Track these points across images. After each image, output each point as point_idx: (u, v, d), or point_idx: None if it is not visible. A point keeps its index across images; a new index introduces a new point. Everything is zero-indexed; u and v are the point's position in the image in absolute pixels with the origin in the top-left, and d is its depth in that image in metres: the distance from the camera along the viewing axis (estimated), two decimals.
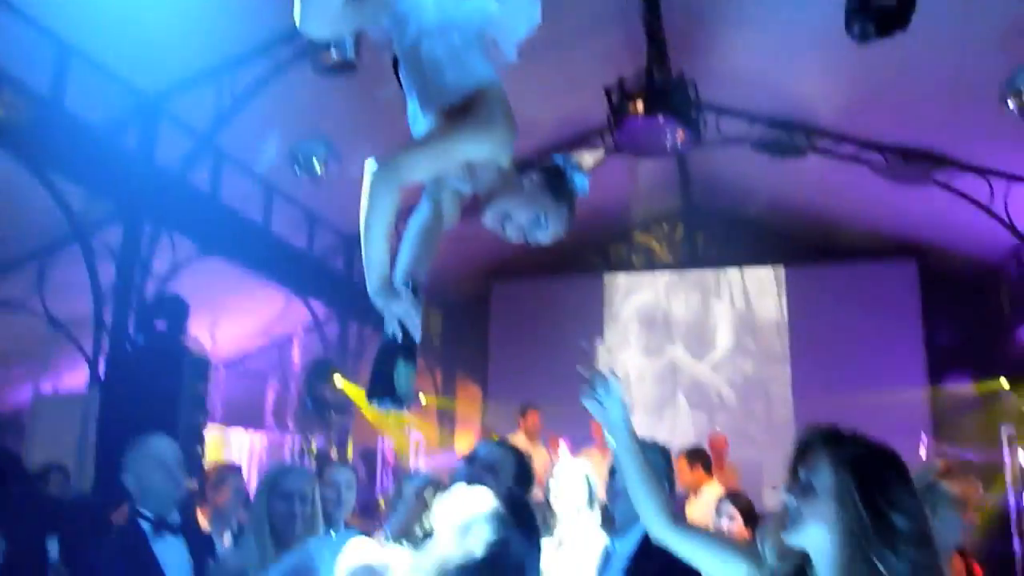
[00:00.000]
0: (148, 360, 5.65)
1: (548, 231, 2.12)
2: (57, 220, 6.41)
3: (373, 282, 1.99)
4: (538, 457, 7.00)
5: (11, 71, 5.66)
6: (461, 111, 2.09)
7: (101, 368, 5.99)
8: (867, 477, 1.61)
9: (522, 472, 2.34)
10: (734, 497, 3.73)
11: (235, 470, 4.88)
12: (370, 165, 1.97)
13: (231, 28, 6.43)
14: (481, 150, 2.08)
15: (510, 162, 2.16)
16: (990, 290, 10.13)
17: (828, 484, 1.63)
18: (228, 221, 7.54)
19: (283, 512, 2.80)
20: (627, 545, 2.52)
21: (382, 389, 1.92)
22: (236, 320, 9.22)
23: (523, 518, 1.53)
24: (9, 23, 5.68)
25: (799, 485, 1.68)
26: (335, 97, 6.86)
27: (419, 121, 2.21)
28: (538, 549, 1.55)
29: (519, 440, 7.26)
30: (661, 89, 6.79)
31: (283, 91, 6.69)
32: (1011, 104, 5.92)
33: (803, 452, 1.70)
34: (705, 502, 5.37)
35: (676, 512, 1.95)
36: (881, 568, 1.54)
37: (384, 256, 2.00)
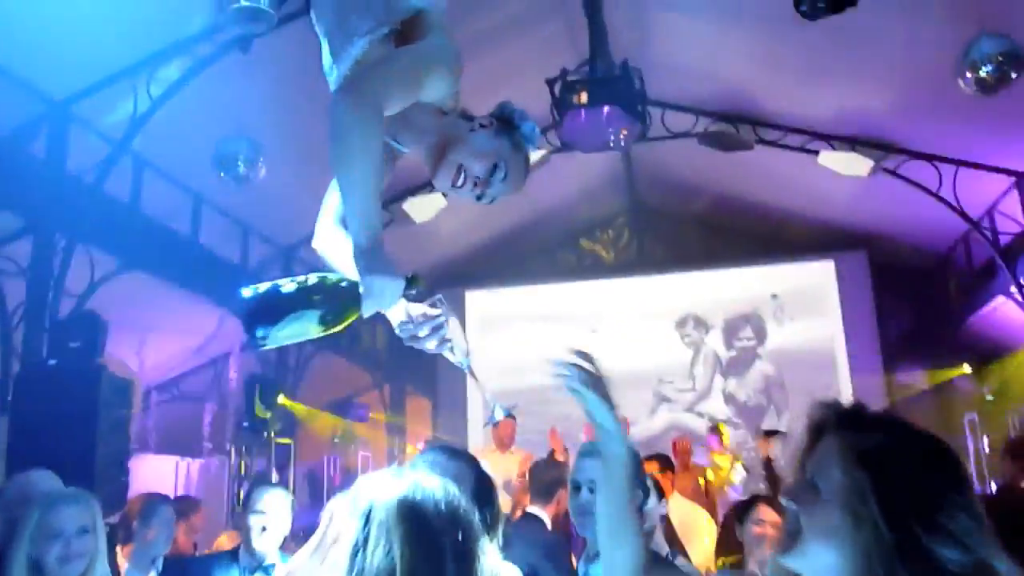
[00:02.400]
0: (61, 384, 5.16)
1: (507, 182, 1.83)
2: None
3: (362, 237, 1.56)
4: (510, 466, 6.66)
5: None
6: (404, 36, 1.80)
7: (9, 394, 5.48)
8: (893, 479, 1.12)
9: (481, 487, 1.94)
10: (771, 501, 3.11)
11: (163, 500, 4.44)
12: (337, 99, 1.59)
13: (146, 25, 5.98)
14: (440, 81, 1.78)
15: (455, 106, 1.86)
16: (940, 279, 10.10)
17: (837, 486, 1.15)
18: (152, 233, 7.04)
19: (55, 553, 2.29)
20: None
21: (255, 314, 1.46)
22: (166, 340, 8.68)
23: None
24: None
25: (800, 486, 1.21)
26: (264, 95, 6.45)
27: (333, 73, 1.88)
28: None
29: (488, 451, 6.93)
30: (605, 79, 6.53)
31: (206, 90, 6.26)
32: (969, 76, 5.77)
33: (812, 440, 1.24)
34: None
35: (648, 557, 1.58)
36: None
37: (376, 205, 1.59)
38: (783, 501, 1.22)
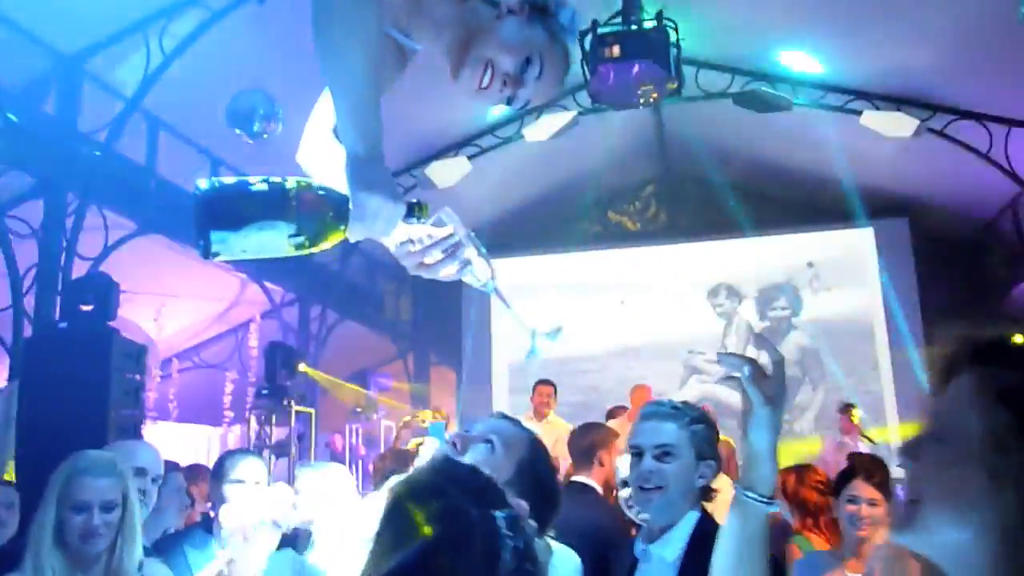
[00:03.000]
0: (73, 348, 4.98)
1: (543, 81, 1.53)
2: None
3: (357, 145, 1.26)
4: (547, 437, 6.40)
5: None
6: None
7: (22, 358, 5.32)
8: None
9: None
10: (870, 475, 2.56)
11: (174, 468, 4.25)
12: None
13: None
14: None
15: None
16: (985, 246, 9.68)
17: (970, 436, 0.87)
18: (168, 195, 6.83)
19: (76, 527, 2.06)
20: (671, 550, 1.87)
21: (213, 214, 1.15)
22: (186, 307, 8.52)
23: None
24: None
25: (923, 440, 0.93)
26: (281, 48, 6.18)
27: None
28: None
29: (523, 421, 6.68)
30: (639, 32, 6.20)
31: (220, 43, 6.01)
32: None
33: (940, 382, 0.95)
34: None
35: None
36: None
37: (375, 106, 1.28)
38: (899, 463, 0.94)
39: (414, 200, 1.33)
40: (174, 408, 8.45)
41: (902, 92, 7.82)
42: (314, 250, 1.23)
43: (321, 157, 1.53)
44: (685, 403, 1.98)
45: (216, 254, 1.16)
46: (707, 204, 11.10)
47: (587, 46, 6.36)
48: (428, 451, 1.78)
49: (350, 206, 1.23)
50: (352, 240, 1.28)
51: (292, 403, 7.22)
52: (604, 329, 10.16)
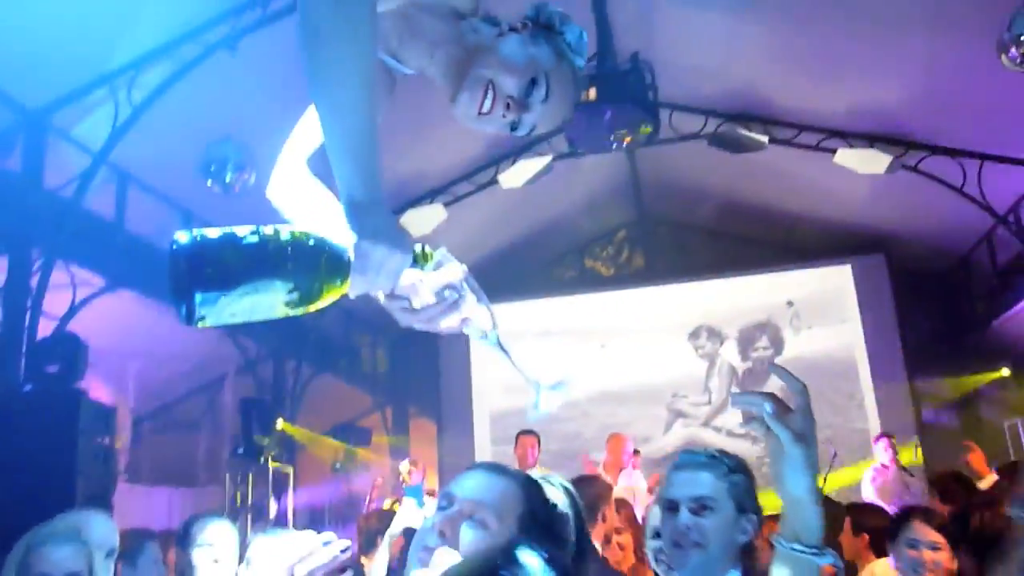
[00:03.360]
0: (38, 412, 4.75)
1: (550, 104, 1.40)
2: None
3: (357, 187, 1.11)
4: None
5: None
6: None
7: None
8: None
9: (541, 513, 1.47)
10: (928, 516, 2.42)
11: (149, 537, 4.02)
12: None
13: (124, 28, 5.64)
14: None
15: (475, 8, 1.43)
16: (962, 280, 9.72)
17: None
18: (137, 250, 6.64)
19: None
20: None
21: (198, 273, 0.97)
22: (156, 365, 8.26)
23: None
24: None
25: None
26: (253, 97, 6.09)
27: None
28: None
29: None
30: (613, 74, 6.18)
31: (190, 94, 5.89)
32: (1012, 53, 5.39)
33: None
34: None
35: None
36: None
37: (374, 139, 1.12)
38: (1014, 510, 0.82)
39: (419, 247, 1.18)
40: (146, 470, 8.14)
41: (875, 129, 7.87)
42: (310, 309, 1.07)
43: (295, 192, 1.37)
44: (722, 451, 1.82)
45: (202, 318, 0.99)
46: (683, 246, 11.10)
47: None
48: (406, 514, 1.62)
49: (351, 258, 1.08)
50: (352, 296, 1.13)
51: (269, 461, 6.98)
52: (585, 375, 10.02)
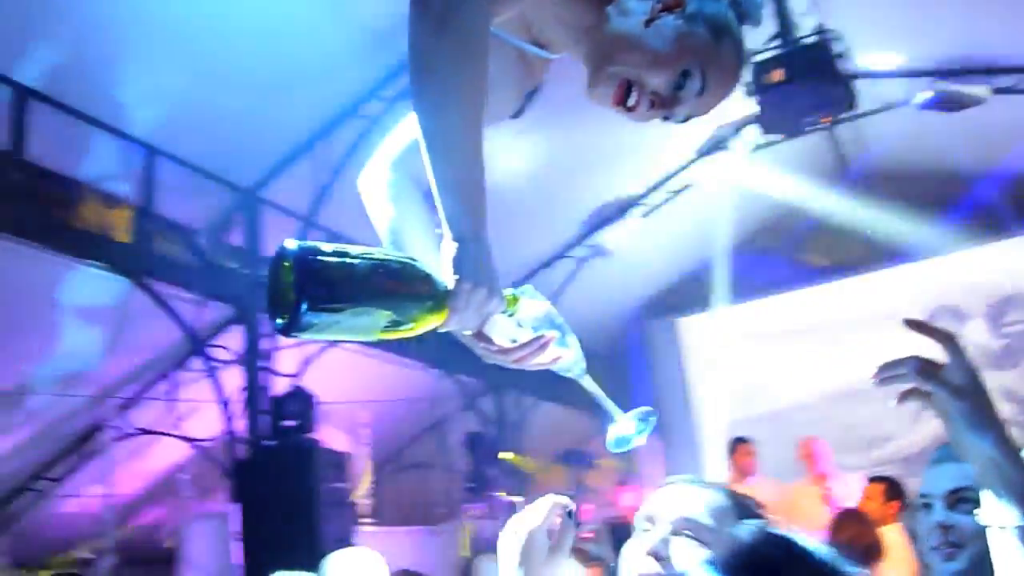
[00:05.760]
0: (280, 464, 5.09)
1: (710, 93, 1.23)
2: (177, 335, 6.08)
3: (462, 222, 1.06)
4: (760, 498, 5.89)
5: (98, 182, 5.40)
6: None
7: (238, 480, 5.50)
8: None
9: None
10: None
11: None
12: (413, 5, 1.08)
13: (313, 96, 6.01)
14: None
15: None
16: None
17: None
18: None
19: None
20: None
21: (305, 285, 0.94)
22: (387, 409, 8.66)
23: None
24: (94, 136, 5.45)
25: None
26: None
27: None
28: None
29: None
30: (798, 50, 5.79)
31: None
32: None
33: None
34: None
35: None
36: None
37: (482, 171, 1.08)
38: None
39: (512, 292, 1.14)
40: (389, 512, 8.52)
41: None
42: (402, 336, 1.05)
43: (385, 192, 1.31)
44: None
45: (301, 332, 0.97)
46: (906, 223, 10.19)
47: (748, 76, 6.01)
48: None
49: (449, 293, 1.05)
50: (443, 330, 1.09)
51: (499, 494, 7.06)
52: (816, 374, 9.39)
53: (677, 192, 8.59)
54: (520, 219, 7.72)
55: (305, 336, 1.00)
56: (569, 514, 1.23)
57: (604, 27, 1.22)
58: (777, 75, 5.75)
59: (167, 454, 6.69)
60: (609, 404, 1.29)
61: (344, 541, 4.92)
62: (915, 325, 1.04)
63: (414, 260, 1.04)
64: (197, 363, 6.12)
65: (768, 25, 6.01)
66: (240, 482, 5.28)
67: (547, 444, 9.71)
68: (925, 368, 0.96)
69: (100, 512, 6.07)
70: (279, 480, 4.95)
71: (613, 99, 1.22)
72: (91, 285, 5.78)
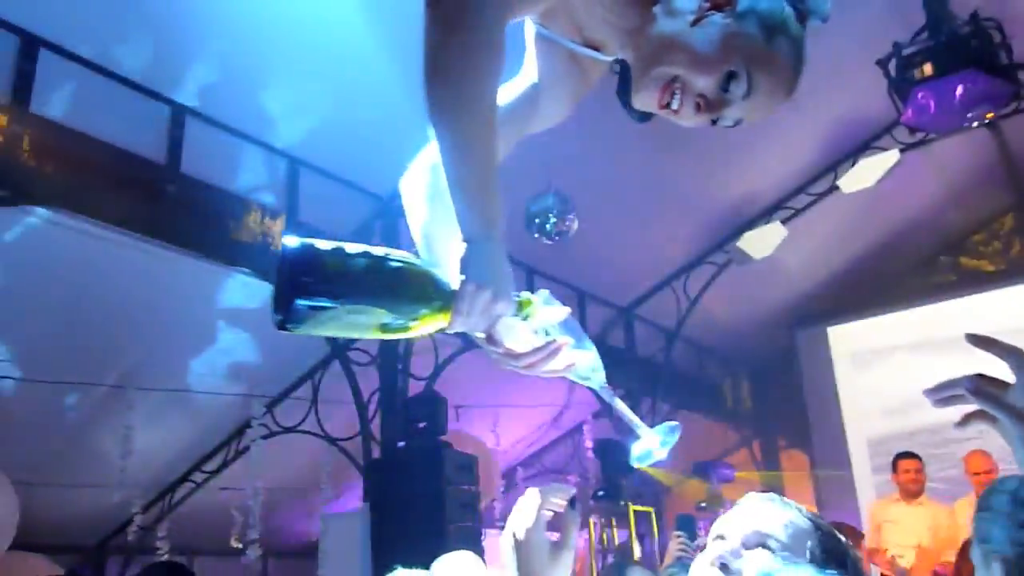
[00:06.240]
0: (411, 465, 5.23)
1: (756, 98, 1.18)
2: (320, 339, 6.38)
3: (473, 223, 1.06)
4: (917, 522, 5.58)
5: (248, 193, 5.75)
6: None
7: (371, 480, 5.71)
8: None
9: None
10: None
11: None
12: (428, 19, 1.09)
13: None
14: None
15: None
16: None
17: None
18: None
19: None
20: None
21: (300, 280, 0.97)
22: (520, 414, 8.74)
23: None
24: (244, 149, 5.80)
25: None
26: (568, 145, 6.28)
27: None
28: None
29: (889, 501, 6.02)
30: (950, 41, 5.42)
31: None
32: None
33: None
34: None
35: None
36: None
37: (493, 164, 1.08)
38: None
39: (521, 296, 1.11)
40: None
41: None
42: (402, 337, 1.08)
43: (424, 191, 1.29)
44: None
45: (296, 327, 0.99)
46: None
47: (892, 72, 5.69)
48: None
49: (455, 293, 1.05)
50: (449, 332, 1.09)
51: (629, 503, 6.97)
52: None
53: (821, 196, 8.22)
54: (656, 224, 7.63)
55: (300, 331, 1.01)
56: (571, 503, 1.18)
57: (650, 28, 1.20)
58: (925, 70, 5.41)
59: (309, 451, 7.02)
60: (634, 418, 1.27)
61: (470, 543, 5.00)
62: (978, 340, 0.95)
63: (416, 260, 1.06)
64: (337, 365, 6.39)
65: (916, 16, 5.67)
66: (372, 481, 5.46)
67: (685, 454, 9.51)
68: (983, 388, 0.87)
69: (248, 504, 6.45)
70: (408, 480, 5.09)
71: (656, 101, 1.20)
72: (244, 291, 6.17)
